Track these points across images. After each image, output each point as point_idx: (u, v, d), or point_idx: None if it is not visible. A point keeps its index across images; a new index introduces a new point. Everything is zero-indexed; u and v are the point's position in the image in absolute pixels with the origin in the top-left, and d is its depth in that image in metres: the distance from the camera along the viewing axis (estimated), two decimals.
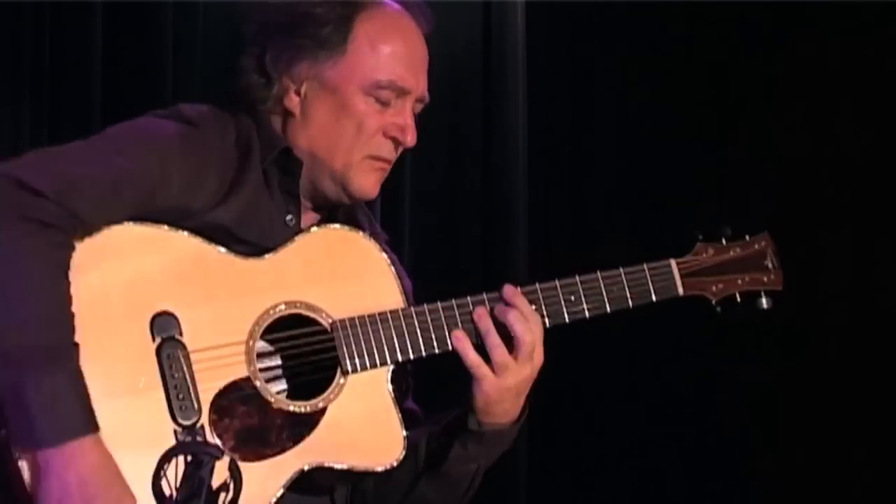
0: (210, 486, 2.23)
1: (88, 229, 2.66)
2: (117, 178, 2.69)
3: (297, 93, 2.85)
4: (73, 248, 2.64)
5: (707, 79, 4.62)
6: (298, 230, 2.86)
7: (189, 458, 2.25)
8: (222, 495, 2.24)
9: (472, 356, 2.79)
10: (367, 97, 2.85)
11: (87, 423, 2.56)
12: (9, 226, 2.58)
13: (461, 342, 2.80)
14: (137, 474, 2.55)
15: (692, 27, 4.62)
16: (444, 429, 2.88)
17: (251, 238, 2.79)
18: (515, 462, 4.63)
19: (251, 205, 2.81)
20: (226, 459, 2.31)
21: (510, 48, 4.69)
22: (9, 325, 2.55)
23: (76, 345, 2.58)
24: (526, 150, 4.70)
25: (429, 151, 4.62)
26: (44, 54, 4.07)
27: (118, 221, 2.69)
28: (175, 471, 2.26)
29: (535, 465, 4.67)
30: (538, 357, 2.82)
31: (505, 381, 2.80)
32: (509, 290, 2.82)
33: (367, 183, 2.88)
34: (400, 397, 2.83)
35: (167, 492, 2.24)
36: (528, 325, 2.80)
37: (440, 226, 4.67)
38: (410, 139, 2.89)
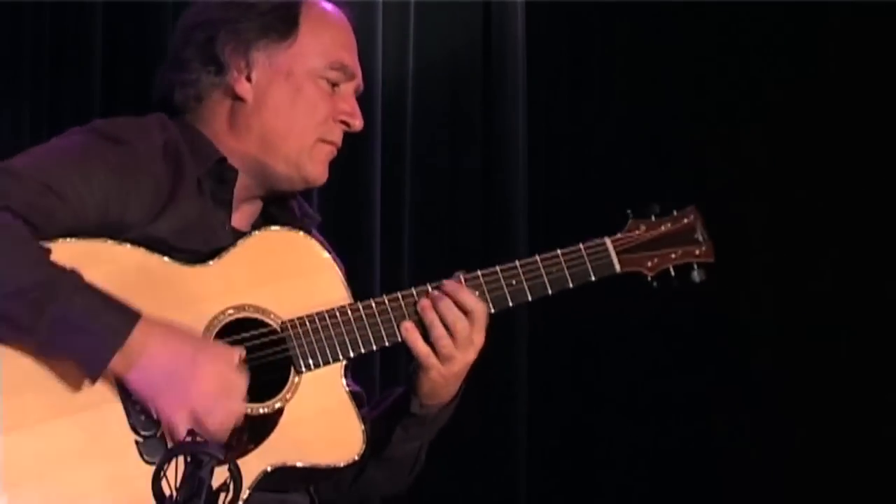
0: (210, 487, 2.23)
1: None
2: (41, 191, 2.69)
3: (248, 79, 2.88)
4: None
5: (707, 79, 4.62)
6: (240, 234, 2.86)
7: (189, 458, 2.25)
8: (222, 496, 2.24)
9: (421, 347, 2.84)
10: (319, 79, 2.90)
11: (131, 310, 2.62)
12: None
13: (410, 333, 2.84)
14: (101, 487, 2.60)
15: (693, 27, 4.62)
16: (385, 413, 2.93)
17: (196, 247, 2.80)
18: (516, 462, 4.64)
19: (191, 215, 2.81)
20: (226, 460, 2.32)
21: (510, 48, 4.69)
22: (14, 277, 2.58)
23: (73, 268, 2.62)
24: (526, 150, 4.70)
25: (429, 151, 4.63)
26: (44, 54, 4.07)
27: (50, 235, 2.68)
28: (175, 471, 2.25)
29: (536, 466, 4.67)
30: (479, 340, 2.86)
31: (451, 369, 2.86)
32: (447, 284, 2.86)
33: (320, 167, 2.92)
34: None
35: (167, 492, 2.24)
36: (461, 314, 2.83)
37: (440, 225, 4.67)
38: (359, 123, 2.94)
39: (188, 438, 2.31)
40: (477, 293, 2.86)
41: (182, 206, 2.80)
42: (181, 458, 2.25)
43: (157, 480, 2.24)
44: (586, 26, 4.78)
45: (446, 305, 2.84)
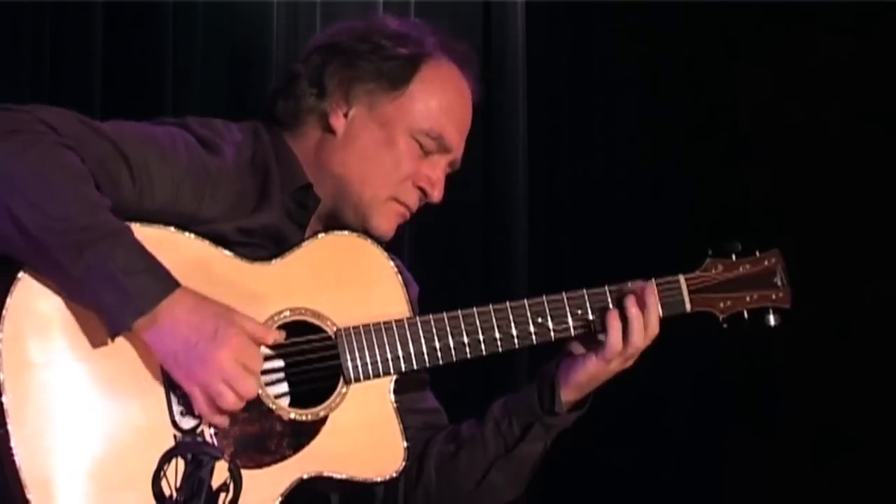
0: (210, 487, 2.23)
1: None
2: (115, 156, 2.68)
3: (345, 115, 2.87)
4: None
5: (708, 79, 4.61)
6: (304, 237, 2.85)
7: (189, 458, 2.25)
8: (222, 496, 2.24)
9: (617, 335, 2.86)
10: (412, 141, 2.88)
11: (171, 278, 2.60)
12: (26, 141, 2.59)
13: (614, 320, 2.86)
14: (134, 476, 2.56)
15: (693, 27, 4.62)
16: (512, 414, 2.93)
17: (263, 248, 2.80)
18: None
19: (267, 224, 2.81)
20: (225, 460, 2.32)
21: (510, 48, 4.69)
22: (66, 216, 2.55)
23: (126, 224, 2.61)
24: (526, 151, 4.70)
25: None
26: (44, 54, 4.07)
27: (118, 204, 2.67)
28: (175, 471, 2.25)
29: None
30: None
31: (625, 363, 2.93)
32: (644, 288, 2.88)
33: (387, 224, 2.90)
34: (414, 396, 2.86)
35: (167, 492, 2.24)
36: (659, 315, 2.88)
37: (439, 226, 4.67)
38: (437, 195, 2.93)
39: (188, 439, 2.31)
40: (539, 319, 2.86)
41: (260, 217, 2.80)
42: (181, 459, 2.25)
43: (157, 480, 2.24)
44: (586, 26, 4.78)
45: (652, 303, 2.85)
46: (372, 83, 2.87)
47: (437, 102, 2.90)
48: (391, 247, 2.96)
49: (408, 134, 2.87)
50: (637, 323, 2.85)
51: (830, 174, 4.50)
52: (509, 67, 4.69)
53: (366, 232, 2.88)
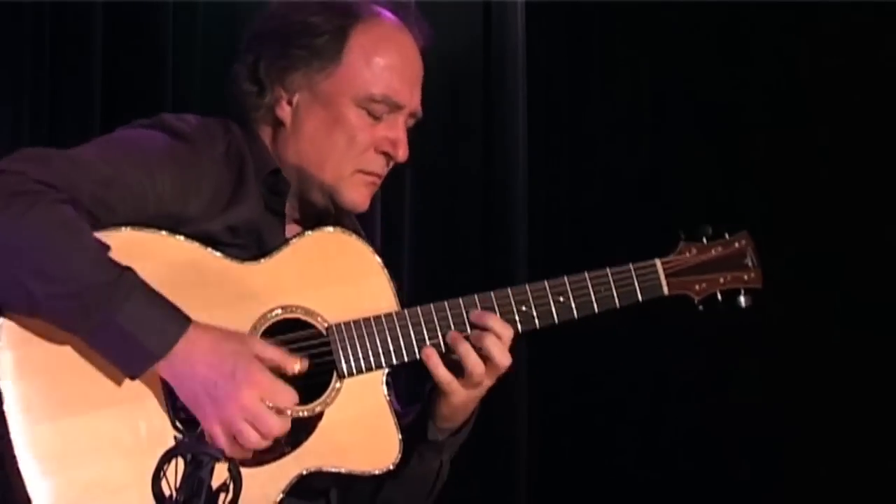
0: (210, 487, 2.23)
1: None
2: (107, 183, 2.68)
3: (290, 102, 2.84)
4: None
5: (707, 78, 4.62)
6: (293, 235, 2.85)
7: (189, 458, 2.25)
8: (222, 496, 2.24)
9: (443, 374, 2.80)
10: (360, 110, 2.83)
11: (182, 318, 2.61)
12: (24, 204, 2.58)
13: (431, 360, 2.80)
14: (136, 479, 2.57)
15: (692, 27, 4.62)
16: (403, 433, 2.86)
17: (249, 247, 2.79)
18: (516, 461, 4.64)
19: (248, 218, 2.80)
20: (225, 460, 2.32)
21: (510, 48, 4.69)
22: (70, 278, 2.57)
23: (128, 267, 2.61)
24: (526, 150, 4.70)
25: (429, 151, 4.63)
26: (44, 54, 4.07)
27: (109, 225, 2.69)
28: (175, 471, 2.25)
29: (536, 466, 4.67)
30: (507, 362, 2.83)
31: (474, 393, 2.84)
32: (480, 316, 2.81)
33: (359, 197, 2.88)
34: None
35: (167, 492, 2.24)
36: (503, 346, 2.81)
37: (440, 225, 4.67)
38: (402, 154, 2.87)
39: (187, 438, 2.31)
40: (524, 307, 2.84)
41: (240, 210, 2.79)
42: (181, 459, 2.25)
43: (157, 480, 2.24)
44: (586, 26, 4.78)
45: (479, 337, 2.80)
46: (306, 66, 2.82)
47: (375, 64, 2.83)
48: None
49: (354, 105, 2.82)
50: (470, 358, 2.79)
51: (829, 174, 4.50)
52: (509, 67, 4.69)
53: (339, 209, 2.87)
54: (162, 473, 2.24)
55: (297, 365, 2.68)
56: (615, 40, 4.76)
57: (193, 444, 2.26)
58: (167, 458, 2.25)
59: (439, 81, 4.65)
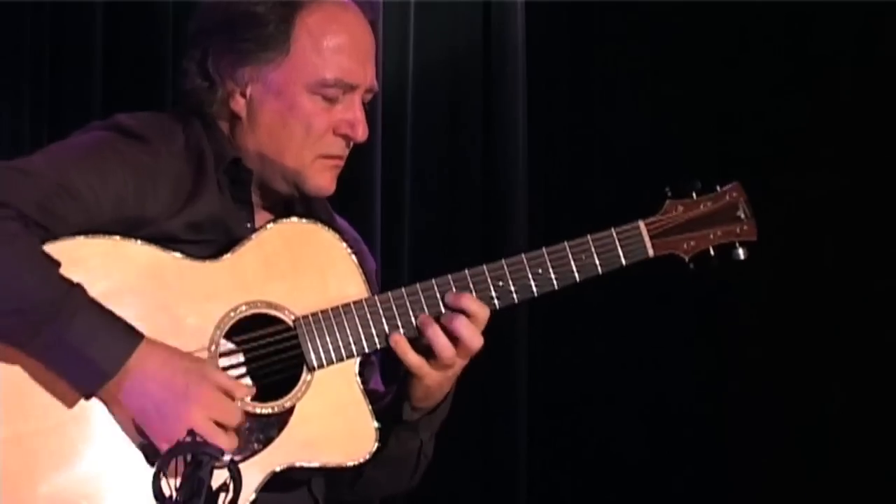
0: (210, 487, 2.23)
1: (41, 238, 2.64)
2: (56, 192, 2.66)
3: (243, 95, 2.79)
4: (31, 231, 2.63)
5: (707, 78, 4.62)
6: (255, 229, 2.81)
7: (189, 458, 2.25)
8: (222, 496, 2.24)
9: (412, 358, 2.76)
10: (314, 96, 2.78)
11: (133, 335, 2.60)
12: None
13: (399, 346, 2.76)
14: (105, 485, 2.61)
15: (692, 27, 4.62)
16: (380, 415, 2.81)
17: (215, 243, 2.75)
18: (516, 462, 4.64)
19: (212, 212, 2.76)
20: (225, 461, 2.32)
21: (510, 48, 4.69)
22: (16, 296, 2.56)
23: (77, 284, 2.60)
24: (526, 150, 4.70)
25: (429, 151, 4.63)
26: (44, 52, 4.07)
27: (62, 235, 2.66)
28: (175, 471, 2.25)
29: (536, 466, 4.67)
30: (479, 343, 2.78)
31: (447, 374, 2.80)
32: (455, 297, 2.78)
33: (323, 181, 2.82)
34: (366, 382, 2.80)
35: (167, 492, 2.24)
36: (466, 321, 2.77)
37: (440, 225, 4.67)
38: (361, 133, 2.82)
39: (188, 438, 2.31)
40: (500, 283, 2.79)
41: (202, 205, 2.75)
42: (181, 458, 2.25)
43: (157, 480, 2.24)
44: (586, 26, 4.78)
45: (450, 318, 2.76)
46: (255, 58, 2.77)
47: (324, 48, 2.77)
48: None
49: (307, 92, 2.77)
50: (439, 340, 2.75)
51: (830, 175, 4.51)
52: (509, 67, 4.69)
53: (304, 195, 2.83)
54: (162, 473, 2.24)
55: (241, 391, 2.66)
56: (615, 40, 4.76)
57: (193, 444, 2.26)
58: (167, 458, 2.25)
59: (439, 81, 4.70)
